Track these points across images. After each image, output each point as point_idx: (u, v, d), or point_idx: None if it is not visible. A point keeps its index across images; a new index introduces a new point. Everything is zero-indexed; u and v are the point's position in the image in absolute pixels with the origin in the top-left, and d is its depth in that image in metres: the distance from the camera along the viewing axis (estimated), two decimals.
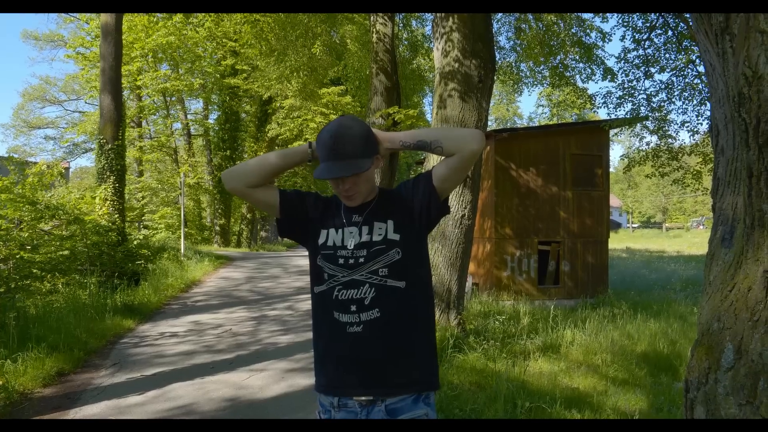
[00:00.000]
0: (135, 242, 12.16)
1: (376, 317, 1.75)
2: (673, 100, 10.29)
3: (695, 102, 10.34)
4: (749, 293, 1.60)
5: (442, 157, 1.84)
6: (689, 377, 1.79)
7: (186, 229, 19.01)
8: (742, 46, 1.58)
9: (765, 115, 1.52)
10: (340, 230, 1.85)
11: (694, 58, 9.74)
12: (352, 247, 1.80)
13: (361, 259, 1.78)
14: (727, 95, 1.69)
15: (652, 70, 10.04)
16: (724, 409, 1.60)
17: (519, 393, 4.35)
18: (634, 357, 6.47)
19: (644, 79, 10.14)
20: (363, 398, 1.74)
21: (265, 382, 4.99)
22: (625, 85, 10.42)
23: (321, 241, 1.86)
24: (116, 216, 11.33)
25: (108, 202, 11.26)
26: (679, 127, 10.73)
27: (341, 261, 1.79)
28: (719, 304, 1.73)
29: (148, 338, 6.79)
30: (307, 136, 20.94)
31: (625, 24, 9.97)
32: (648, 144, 11.52)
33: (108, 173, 11.38)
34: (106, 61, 11.56)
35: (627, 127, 11.36)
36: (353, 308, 1.75)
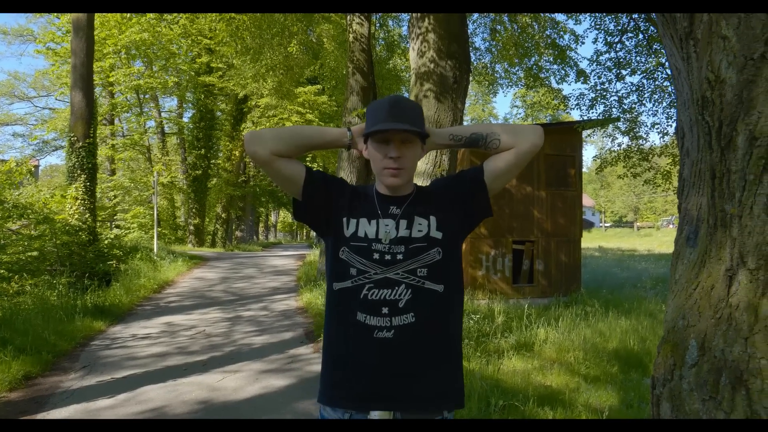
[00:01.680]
0: (106, 242, 11.97)
1: (411, 322, 1.57)
2: (644, 102, 10.50)
3: (665, 104, 10.56)
4: (712, 291, 1.64)
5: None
6: (656, 374, 1.83)
7: (159, 229, 18.75)
8: (705, 51, 1.62)
9: (727, 118, 1.57)
10: (374, 221, 1.63)
11: (663, 61, 9.94)
12: (387, 241, 1.60)
13: (399, 256, 1.59)
14: (691, 98, 1.74)
15: (624, 72, 10.25)
16: (689, 405, 1.64)
17: (493, 391, 4.38)
18: (606, 354, 6.57)
19: (616, 81, 10.34)
20: (382, 414, 1.55)
21: (239, 384, 4.95)
22: (598, 87, 10.60)
23: (349, 230, 1.64)
24: (87, 215, 11.13)
25: (79, 201, 11.05)
26: (650, 128, 10.96)
27: (376, 256, 1.59)
28: (684, 302, 1.77)
29: (120, 340, 6.68)
30: None
31: (598, 27, 10.14)
32: (620, 145, 11.75)
33: (79, 172, 11.17)
34: (77, 57, 11.34)
35: (599, 128, 11.54)
36: (385, 311, 1.56)
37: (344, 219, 1.65)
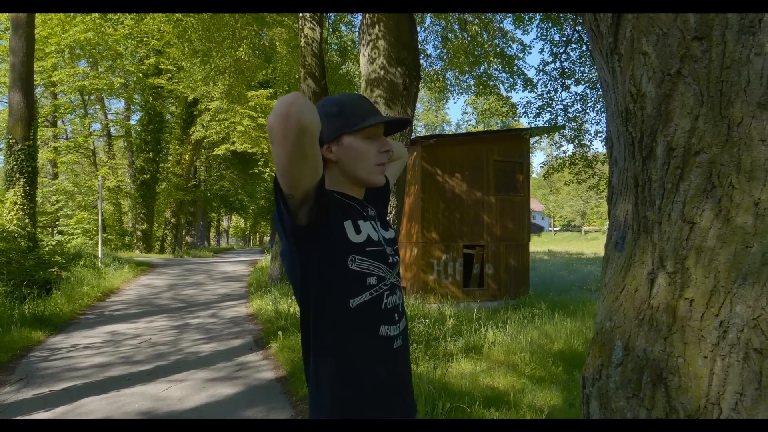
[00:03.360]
0: (47, 249, 11.50)
1: (405, 325, 1.53)
2: (587, 111, 10.87)
3: (607, 114, 10.96)
4: (636, 294, 1.73)
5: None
6: (586, 374, 1.90)
7: (105, 235, 18.16)
8: (628, 66, 1.71)
9: (647, 130, 1.66)
10: (367, 222, 1.49)
11: None
12: (386, 242, 1.52)
13: (397, 258, 1.54)
14: (617, 110, 1.83)
15: (569, 82, 10.59)
16: (615, 403, 1.72)
17: (440, 394, 4.44)
18: (551, 355, 6.76)
19: (561, 91, 10.66)
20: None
21: (185, 393, 4.85)
22: (544, 96, 10.91)
23: (358, 236, 1.43)
24: (27, 221, 10.68)
25: (17, 206, 10.61)
26: (593, 136, 11.36)
27: (390, 260, 1.49)
28: (611, 305, 1.85)
29: (60, 351, 6.43)
30: (234, 140, 20.48)
31: (544, 38, 10.46)
32: (565, 152, 12.12)
33: (18, 175, 10.73)
34: (16, 56, 10.90)
35: (546, 135, 11.88)
36: (396, 317, 1.47)
37: (346, 223, 1.43)
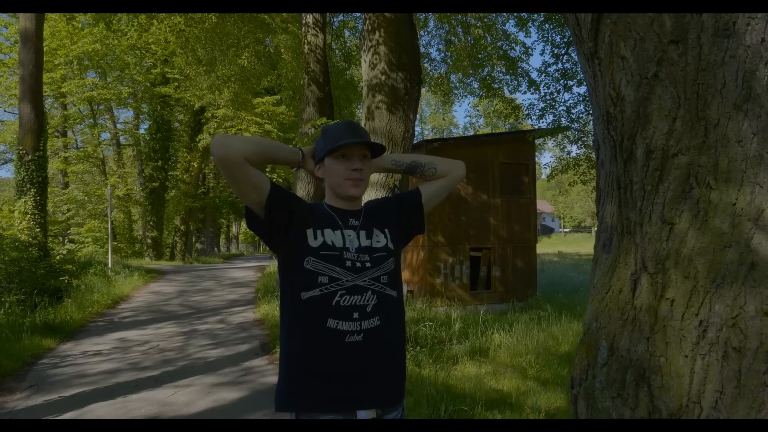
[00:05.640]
0: (58, 257, 11.63)
1: (377, 325, 1.69)
2: (590, 111, 10.84)
3: (593, 116, 10.94)
4: (620, 295, 1.75)
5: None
6: (573, 374, 1.92)
7: (115, 243, 18.33)
8: (608, 70, 1.74)
9: (627, 132, 1.68)
10: (338, 231, 1.75)
11: None
12: (353, 250, 1.73)
13: (367, 264, 1.72)
14: (599, 113, 1.85)
15: (571, 83, 10.57)
16: (601, 402, 1.74)
17: (443, 397, 4.46)
18: (557, 357, 6.75)
19: (564, 92, 10.66)
20: (367, 414, 1.66)
21: (191, 398, 4.90)
22: (547, 98, 10.92)
23: (317, 241, 1.71)
24: (38, 230, 10.82)
25: (28, 215, 10.75)
26: None
27: (348, 264, 1.70)
28: (598, 306, 1.88)
29: (70, 358, 6.51)
30: None
31: (545, 39, 10.47)
32: (569, 153, 12.10)
33: (28, 186, 10.88)
34: (25, 68, 11.07)
35: (550, 136, 11.87)
36: (355, 315, 1.66)
37: (308, 230, 1.72)
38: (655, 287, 1.61)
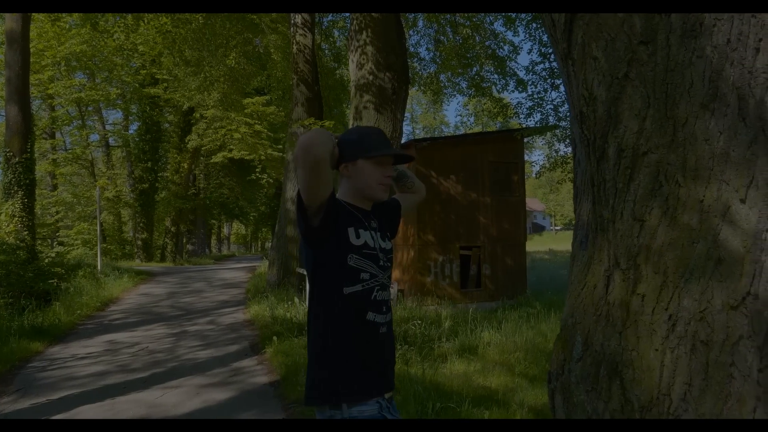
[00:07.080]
0: (47, 260, 11.55)
1: (391, 318, 1.92)
2: None
3: (570, 115, 11.03)
4: (594, 291, 1.78)
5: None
6: (551, 369, 1.95)
7: (105, 245, 18.23)
8: (581, 70, 1.77)
9: (599, 131, 1.72)
10: (367, 231, 1.88)
11: None
12: (379, 250, 1.89)
13: (388, 263, 1.93)
14: (573, 113, 1.88)
15: (558, 82, 10.63)
16: (576, 396, 1.77)
17: (431, 395, 4.49)
18: (545, 354, 6.80)
19: (551, 90, 10.73)
20: (388, 396, 1.84)
21: (180, 399, 4.90)
22: (535, 96, 10.97)
23: (358, 239, 1.83)
24: (25, 233, 10.75)
25: (16, 218, 10.68)
26: None
27: (381, 263, 1.87)
28: (574, 302, 1.91)
29: (58, 361, 6.49)
30: (231, 147, 20.53)
31: (532, 38, 10.53)
32: (557, 151, 12.16)
33: (16, 188, 10.80)
34: (11, 69, 10.99)
35: (538, 135, 11.93)
36: (384, 309, 1.87)
37: (350, 229, 1.83)
38: (627, 283, 1.65)
